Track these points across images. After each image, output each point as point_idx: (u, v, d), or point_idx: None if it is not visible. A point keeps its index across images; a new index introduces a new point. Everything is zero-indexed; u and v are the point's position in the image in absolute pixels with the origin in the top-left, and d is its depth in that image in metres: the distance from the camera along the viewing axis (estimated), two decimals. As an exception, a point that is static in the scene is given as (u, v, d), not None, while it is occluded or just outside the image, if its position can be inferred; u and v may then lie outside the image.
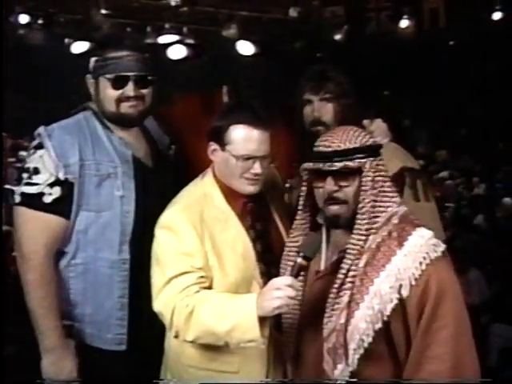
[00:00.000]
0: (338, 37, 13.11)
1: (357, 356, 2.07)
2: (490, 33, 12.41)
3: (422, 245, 2.07)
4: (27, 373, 2.67)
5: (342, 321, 2.10)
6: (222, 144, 2.35)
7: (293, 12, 13.47)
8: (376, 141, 2.25)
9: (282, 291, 2.10)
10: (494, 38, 12.22)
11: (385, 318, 2.05)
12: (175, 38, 11.85)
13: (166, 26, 12.08)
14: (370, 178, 2.13)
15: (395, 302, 2.04)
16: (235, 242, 2.38)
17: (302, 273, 2.20)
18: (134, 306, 2.59)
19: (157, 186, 2.63)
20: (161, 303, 2.30)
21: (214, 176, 2.43)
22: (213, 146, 2.39)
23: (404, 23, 12.69)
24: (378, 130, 2.85)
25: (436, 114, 13.63)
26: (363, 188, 2.14)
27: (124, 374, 2.58)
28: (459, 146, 13.43)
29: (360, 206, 2.14)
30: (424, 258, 2.05)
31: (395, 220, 2.13)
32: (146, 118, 2.74)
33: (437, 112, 13.61)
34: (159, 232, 2.36)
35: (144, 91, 2.62)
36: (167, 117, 3.06)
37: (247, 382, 2.34)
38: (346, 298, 2.10)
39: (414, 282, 2.03)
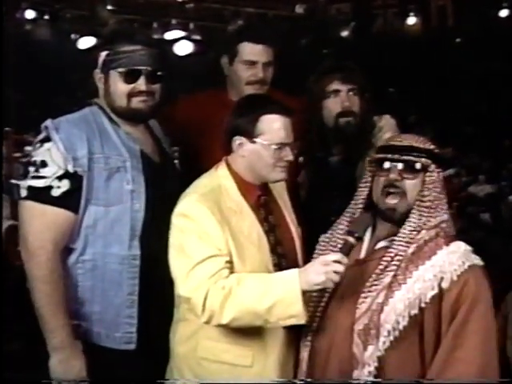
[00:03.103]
0: (344, 34, 13.10)
1: (390, 338, 2.12)
2: (497, 30, 12.38)
3: (466, 250, 2.21)
4: (33, 369, 2.63)
5: (380, 300, 2.15)
6: (251, 136, 2.36)
7: (299, 9, 13.47)
8: (441, 153, 2.38)
9: (330, 266, 2.14)
10: (501, 35, 12.19)
11: (422, 305, 2.12)
12: (181, 34, 11.84)
13: (173, 22, 12.09)
14: (433, 178, 2.28)
15: (436, 291, 2.12)
16: (250, 233, 2.39)
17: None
18: (144, 304, 2.56)
19: (165, 182, 2.61)
20: (190, 288, 2.28)
21: (229, 169, 2.44)
22: (239, 140, 2.39)
23: (411, 20, 12.67)
24: (386, 126, 2.84)
25: (442, 112, 13.60)
26: (425, 186, 2.27)
27: (133, 373, 2.52)
28: (465, 143, 13.40)
29: (418, 201, 2.26)
30: (467, 259, 2.17)
31: (444, 225, 2.28)
32: (155, 114, 2.71)
33: (443, 109, 13.59)
34: (177, 220, 2.36)
35: (154, 87, 2.59)
36: (171, 116, 3.04)
37: (250, 382, 2.33)
38: (387, 279, 2.17)
39: (455, 278, 2.12)
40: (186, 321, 2.40)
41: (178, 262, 2.32)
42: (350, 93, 2.83)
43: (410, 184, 2.27)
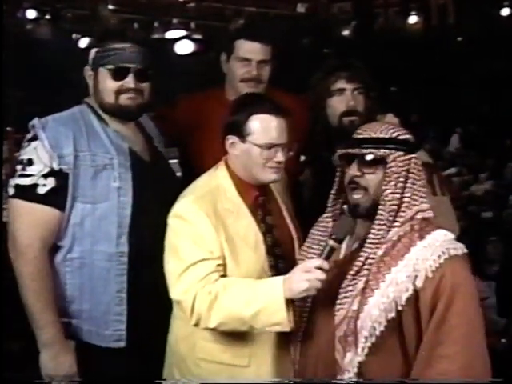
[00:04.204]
0: (345, 32, 13.11)
1: (368, 344, 2.04)
2: (499, 29, 12.38)
3: (444, 240, 2.08)
4: (33, 369, 2.63)
5: (355, 307, 2.07)
6: (242, 136, 2.36)
7: (300, 8, 13.48)
8: (409, 138, 2.22)
9: (311, 274, 2.12)
10: (503, 34, 12.18)
11: (399, 308, 2.02)
12: (182, 33, 11.86)
13: (174, 21, 12.10)
14: (393, 170, 2.14)
15: (410, 292, 2.02)
16: (247, 234, 2.39)
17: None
18: (133, 301, 2.56)
19: (154, 180, 2.61)
20: (180, 291, 2.29)
21: (228, 169, 2.44)
22: (231, 139, 2.39)
23: (412, 19, 12.68)
24: None
25: (443, 111, 13.60)
26: (386, 179, 2.14)
27: (124, 371, 2.52)
28: (467, 142, 13.40)
29: (382, 196, 2.14)
30: (443, 253, 2.03)
31: (419, 215, 2.14)
32: (144, 113, 2.71)
33: (444, 108, 13.59)
34: (173, 221, 2.37)
35: (143, 85, 2.59)
36: (170, 116, 3.04)
37: (247, 382, 2.33)
38: (360, 285, 2.08)
39: (430, 275, 2.01)
40: (181, 320, 2.40)
41: (171, 264, 2.33)
42: (355, 92, 2.81)
43: (371, 179, 2.17)
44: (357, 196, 2.18)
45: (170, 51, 11.53)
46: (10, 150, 7.32)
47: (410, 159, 2.17)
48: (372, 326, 2.04)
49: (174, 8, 12.46)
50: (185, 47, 11.80)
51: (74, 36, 11.67)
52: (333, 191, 2.33)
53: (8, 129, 7.72)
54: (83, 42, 10.94)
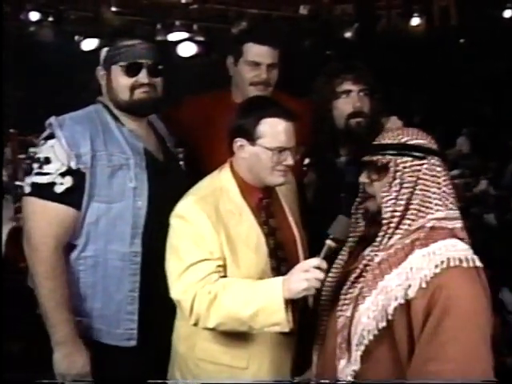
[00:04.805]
0: (348, 34, 13.10)
1: (359, 353, 1.99)
2: (501, 31, 12.36)
3: (449, 250, 1.94)
4: (33, 369, 2.63)
5: (348, 314, 2.06)
6: (252, 139, 2.37)
7: (303, 10, 13.47)
8: (421, 143, 2.12)
9: (310, 273, 2.12)
10: (505, 35, 12.17)
11: (389, 317, 1.94)
12: (185, 35, 11.86)
13: (176, 23, 12.10)
14: (395, 175, 2.07)
15: (400, 301, 1.92)
16: (248, 236, 2.40)
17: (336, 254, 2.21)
18: (145, 300, 2.58)
19: (168, 180, 2.63)
20: (179, 291, 2.31)
21: (232, 171, 2.45)
22: (240, 141, 2.40)
23: (415, 21, 12.67)
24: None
25: (446, 113, 13.60)
26: (386, 185, 2.08)
27: (134, 370, 2.54)
28: (470, 144, 13.39)
29: (382, 202, 2.09)
30: (442, 262, 1.91)
31: (430, 224, 2.03)
32: (158, 109, 2.73)
33: (447, 110, 13.58)
34: (174, 221, 2.38)
35: (156, 80, 2.63)
36: (176, 118, 3.05)
37: (244, 382, 2.34)
38: (356, 292, 2.06)
39: (424, 285, 1.90)
40: (184, 320, 2.42)
41: (171, 264, 2.35)
42: (361, 93, 2.82)
43: (377, 186, 2.13)
44: (368, 203, 2.16)
45: (172, 53, 11.53)
46: (13, 151, 7.34)
47: (420, 165, 2.08)
48: (361, 334, 1.98)
49: (176, 10, 12.46)
50: (187, 49, 11.79)
51: (76, 38, 11.68)
52: (357, 198, 2.28)
53: (11, 131, 7.75)
54: (86, 44, 10.96)
